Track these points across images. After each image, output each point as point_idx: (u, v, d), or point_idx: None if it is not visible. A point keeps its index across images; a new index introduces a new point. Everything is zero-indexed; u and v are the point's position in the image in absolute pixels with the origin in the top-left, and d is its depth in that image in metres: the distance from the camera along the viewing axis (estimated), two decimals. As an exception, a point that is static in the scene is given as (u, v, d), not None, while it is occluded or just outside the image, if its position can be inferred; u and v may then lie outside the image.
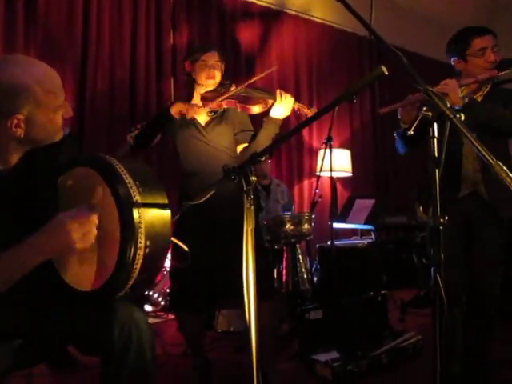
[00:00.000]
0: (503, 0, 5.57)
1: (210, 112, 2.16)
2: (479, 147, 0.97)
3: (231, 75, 4.07)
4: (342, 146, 4.87)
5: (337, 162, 4.20)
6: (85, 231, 1.07)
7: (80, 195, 1.17)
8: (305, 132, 4.81)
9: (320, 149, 4.47)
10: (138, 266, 1.09)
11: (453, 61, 1.99)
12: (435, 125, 1.06)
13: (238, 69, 4.25)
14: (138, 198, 1.09)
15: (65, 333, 1.21)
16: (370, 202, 3.88)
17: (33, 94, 1.12)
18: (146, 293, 3.45)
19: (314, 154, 4.77)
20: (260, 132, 2.07)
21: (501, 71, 1.82)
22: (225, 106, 2.13)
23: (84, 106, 3.44)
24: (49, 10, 3.33)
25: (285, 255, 3.12)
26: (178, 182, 2.26)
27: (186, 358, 2.52)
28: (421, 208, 1.89)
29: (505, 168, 0.97)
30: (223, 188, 1.19)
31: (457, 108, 1.78)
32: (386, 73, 0.90)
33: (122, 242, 1.07)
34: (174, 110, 2.07)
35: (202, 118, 2.17)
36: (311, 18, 4.89)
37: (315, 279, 3.46)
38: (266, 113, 2.11)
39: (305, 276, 3.06)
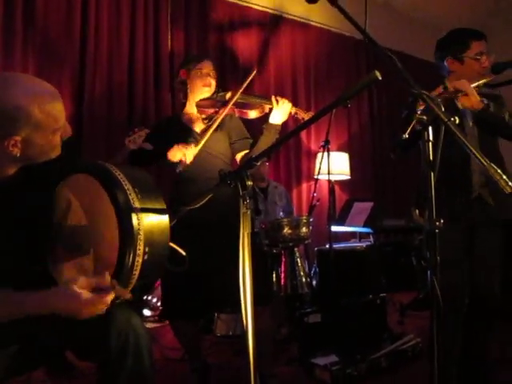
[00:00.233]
0: (499, 4, 5.60)
1: (205, 119, 2.17)
2: (473, 150, 0.98)
3: (229, 80, 4.09)
4: (340, 149, 4.88)
5: (335, 165, 4.21)
6: (94, 310, 1.07)
7: (78, 203, 1.17)
8: (303, 135, 4.82)
9: (318, 152, 4.48)
10: (136, 273, 1.10)
11: (446, 60, 1.97)
12: (430, 128, 1.06)
13: (235, 74, 4.25)
14: (136, 205, 1.09)
15: (62, 338, 1.21)
16: (369, 205, 3.89)
17: (32, 117, 1.10)
18: (145, 297, 3.45)
19: (312, 157, 4.78)
20: (260, 139, 2.08)
21: (495, 74, 1.83)
22: (224, 114, 2.12)
23: (82, 110, 3.45)
24: (47, 13, 3.34)
25: (283, 259, 3.12)
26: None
27: (184, 363, 2.51)
28: (417, 211, 1.88)
29: (499, 170, 0.97)
30: (220, 192, 1.20)
31: (474, 111, 1.79)
32: (380, 78, 0.90)
33: (121, 248, 1.08)
34: (173, 158, 2.01)
35: (198, 125, 2.18)
36: (309, 22, 4.91)
37: (314, 283, 3.45)
38: (265, 119, 2.12)
39: (303, 279, 3.05)
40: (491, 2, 5.53)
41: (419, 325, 3.15)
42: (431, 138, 1.08)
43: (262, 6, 4.57)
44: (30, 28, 3.25)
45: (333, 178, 4.17)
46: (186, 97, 2.23)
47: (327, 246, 2.94)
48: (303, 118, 2.07)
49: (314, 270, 3.58)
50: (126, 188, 1.10)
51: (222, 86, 2.25)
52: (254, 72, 2.20)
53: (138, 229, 1.08)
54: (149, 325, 3.24)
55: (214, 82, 2.20)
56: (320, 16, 4.88)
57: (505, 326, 2.71)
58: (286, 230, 2.95)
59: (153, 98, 3.79)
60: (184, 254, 1.27)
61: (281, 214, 3.94)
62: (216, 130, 2.11)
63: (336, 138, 4.92)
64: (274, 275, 3.08)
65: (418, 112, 1.05)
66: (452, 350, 1.86)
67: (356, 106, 5.28)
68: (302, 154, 4.83)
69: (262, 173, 3.81)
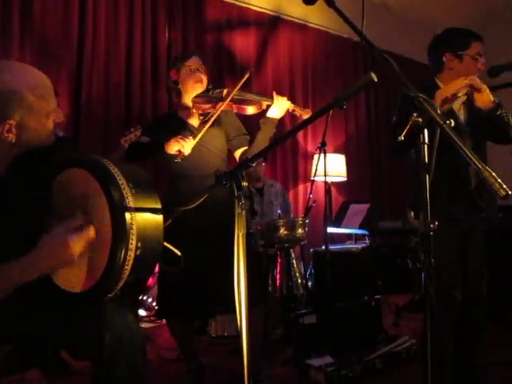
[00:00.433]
0: (497, 7, 5.63)
1: (201, 115, 2.17)
2: (468, 153, 0.98)
3: (227, 80, 4.09)
4: (336, 150, 4.89)
5: (332, 167, 4.22)
6: (83, 244, 1.09)
7: (73, 197, 1.17)
8: (300, 136, 4.83)
9: (315, 153, 4.49)
10: (128, 267, 1.09)
11: (445, 56, 1.90)
12: (425, 131, 1.06)
13: (233, 74, 4.26)
14: (130, 200, 1.09)
15: (56, 337, 1.20)
16: (365, 207, 3.90)
17: (25, 100, 1.13)
18: (140, 297, 3.44)
19: (308, 158, 4.79)
20: (258, 134, 2.10)
21: (491, 78, 1.83)
22: (221, 109, 2.13)
23: (79, 109, 3.44)
24: (44, 14, 3.34)
25: (279, 260, 3.12)
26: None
27: (179, 363, 2.51)
28: (412, 213, 1.88)
29: (494, 174, 0.97)
30: (215, 192, 1.20)
31: (485, 110, 1.72)
32: (376, 80, 0.91)
33: (114, 242, 1.07)
34: (171, 151, 2.00)
35: (194, 120, 2.18)
36: (307, 24, 4.92)
37: (309, 284, 3.45)
38: (261, 116, 2.13)
39: (299, 281, 3.05)
40: (488, 5, 5.55)
41: (414, 327, 3.15)
42: (426, 140, 1.09)
43: (260, 7, 4.58)
44: (28, 28, 3.24)
45: (329, 179, 4.19)
46: (180, 96, 2.23)
47: (323, 248, 2.95)
48: (301, 115, 2.09)
49: (309, 271, 3.58)
50: (120, 183, 1.10)
51: (219, 86, 2.25)
52: (250, 70, 2.21)
53: (131, 223, 1.08)
54: (144, 325, 3.23)
55: (204, 77, 2.19)
56: (318, 18, 4.89)
57: (496, 328, 2.72)
58: (282, 231, 2.96)
59: (150, 97, 3.79)
60: (179, 254, 1.27)
61: (278, 212, 3.94)
62: (212, 125, 2.11)
63: (333, 139, 4.93)
64: (270, 276, 3.08)
65: (414, 114, 1.05)
66: (446, 352, 1.86)
67: (353, 108, 5.30)
68: (299, 156, 4.83)
69: (258, 173, 3.81)
